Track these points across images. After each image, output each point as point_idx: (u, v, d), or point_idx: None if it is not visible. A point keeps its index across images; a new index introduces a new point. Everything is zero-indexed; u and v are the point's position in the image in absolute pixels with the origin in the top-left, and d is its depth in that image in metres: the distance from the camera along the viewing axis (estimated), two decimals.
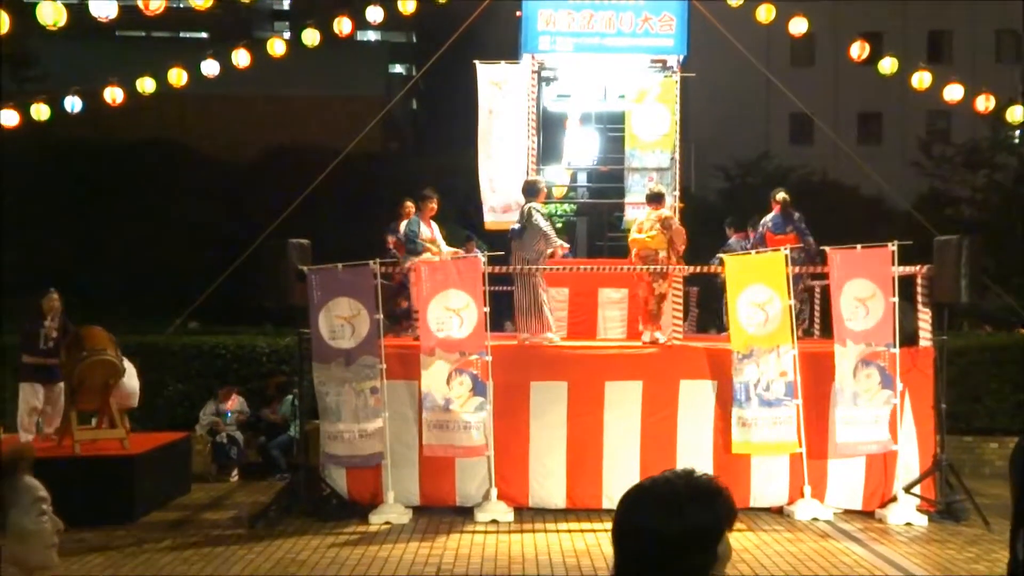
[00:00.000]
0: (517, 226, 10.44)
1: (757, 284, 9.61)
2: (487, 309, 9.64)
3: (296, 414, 10.84)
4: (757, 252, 10.62)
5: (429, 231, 10.91)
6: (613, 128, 12.68)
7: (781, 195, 11.91)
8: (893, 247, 9.49)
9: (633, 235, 10.63)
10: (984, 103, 12.93)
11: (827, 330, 10.82)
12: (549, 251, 10.31)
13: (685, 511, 1.82)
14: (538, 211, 10.33)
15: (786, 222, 11.68)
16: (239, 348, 12.68)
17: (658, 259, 10.22)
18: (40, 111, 11.97)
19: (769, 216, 11.88)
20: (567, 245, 11.21)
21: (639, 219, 10.76)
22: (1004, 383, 12.47)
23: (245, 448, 11.92)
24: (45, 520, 2.05)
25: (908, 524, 9.12)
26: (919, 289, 9.76)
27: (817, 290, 11.93)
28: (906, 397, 9.54)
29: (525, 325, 10.25)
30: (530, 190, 10.53)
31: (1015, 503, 3.11)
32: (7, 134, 12.41)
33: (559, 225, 15.93)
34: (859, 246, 9.73)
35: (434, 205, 10.96)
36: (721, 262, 10.16)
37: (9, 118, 11.85)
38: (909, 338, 9.76)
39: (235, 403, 12.11)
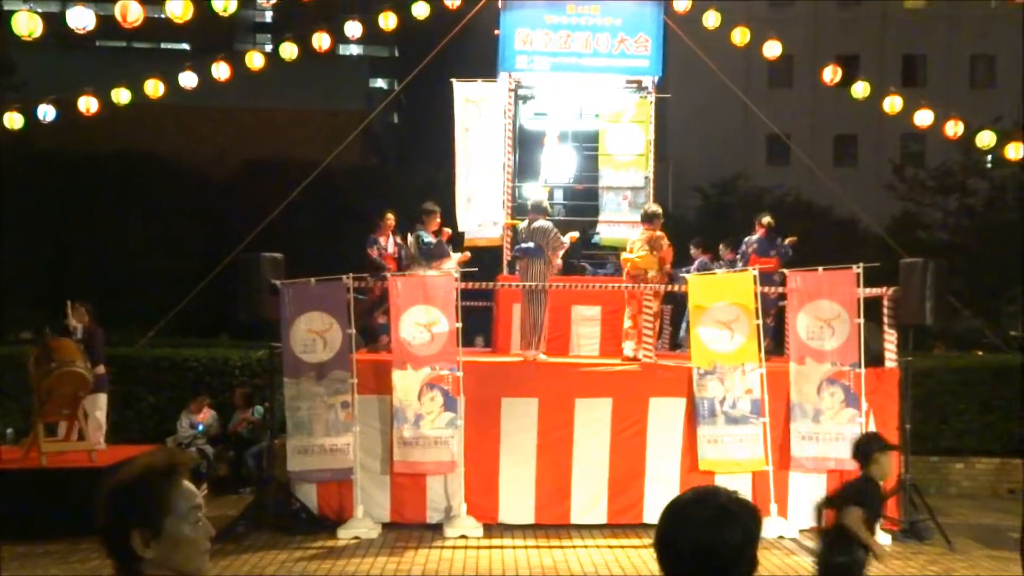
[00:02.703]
0: (531, 244, 10.46)
1: (722, 302, 9.73)
2: (459, 325, 9.71)
3: (266, 425, 10.83)
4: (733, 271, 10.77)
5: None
6: (589, 147, 12.79)
7: (767, 219, 12.09)
8: (858, 269, 9.64)
9: (624, 254, 10.73)
10: (953, 128, 13.12)
11: None
12: (566, 245, 10.51)
13: (736, 521, 1.97)
14: (551, 226, 10.45)
15: (770, 246, 11.83)
16: (211, 361, 12.66)
17: (647, 278, 10.28)
18: (13, 120, 11.95)
19: (755, 238, 12.01)
20: (575, 234, 11.29)
21: (631, 238, 10.87)
22: (971, 404, 12.63)
23: (215, 462, 11.89)
24: (200, 526, 2.08)
25: None
26: (885, 311, 9.90)
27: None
28: (871, 417, 9.66)
29: (534, 342, 10.28)
30: (540, 207, 10.64)
31: None
32: None
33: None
34: (820, 268, 9.88)
35: (438, 219, 11.01)
36: (685, 281, 10.28)
37: None
38: (876, 359, 9.89)
39: (207, 416, 12.09)
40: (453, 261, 10.74)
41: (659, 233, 10.50)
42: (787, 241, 12.02)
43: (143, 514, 2.01)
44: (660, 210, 10.92)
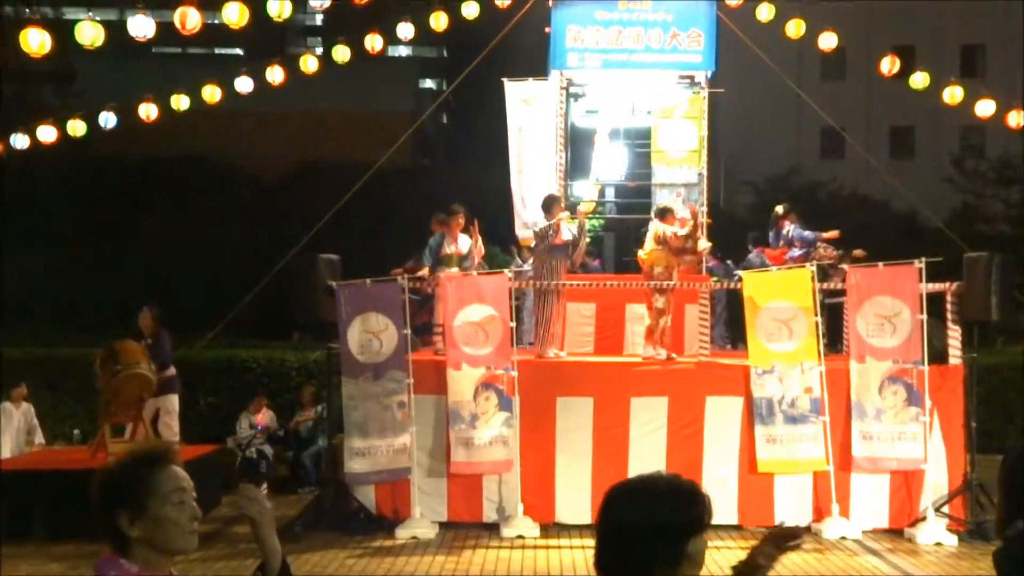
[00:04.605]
0: (534, 244, 10.50)
1: (780, 300, 9.60)
2: (514, 324, 9.71)
3: (324, 426, 10.95)
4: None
5: (454, 246, 10.94)
6: (641, 143, 12.70)
7: (776, 208, 12.07)
8: (920, 264, 9.44)
9: (639, 252, 10.66)
10: (1016, 118, 12.80)
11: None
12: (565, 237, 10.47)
13: (659, 507, 1.98)
14: (544, 227, 10.39)
15: (777, 237, 11.75)
16: (269, 362, 12.84)
17: (654, 275, 10.19)
18: (76, 127, 12.22)
19: (771, 233, 12.04)
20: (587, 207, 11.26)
21: (647, 235, 10.79)
22: None
23: (274, 462, 12.04)
24: (185, 508, 2.22)
25: (938, 544, 9.02)
26: (948, 307, 9.69)
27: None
28: (935, 415, 9.47)
29: (552, 339, 10.29)
30: (546, 206, 10.59)
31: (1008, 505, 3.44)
32: (45, 150, 12.67)
33: (588, 239, 15.98)
34: (881, 264, 9.70)
35: (461, 220, 10.98)
36: (740, 279, 10.16)
37: (47, 134, 12.13)
38: (939, 356, 9.68)
39: (265, 417, 12.25)
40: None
41: (660, 229, 10.28)
42: (826, 235, 11.79)
43: (127, 496, 2.19)
44: (672, 206, 10.80)
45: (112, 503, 2.19)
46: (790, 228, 11.77)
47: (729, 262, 13.45)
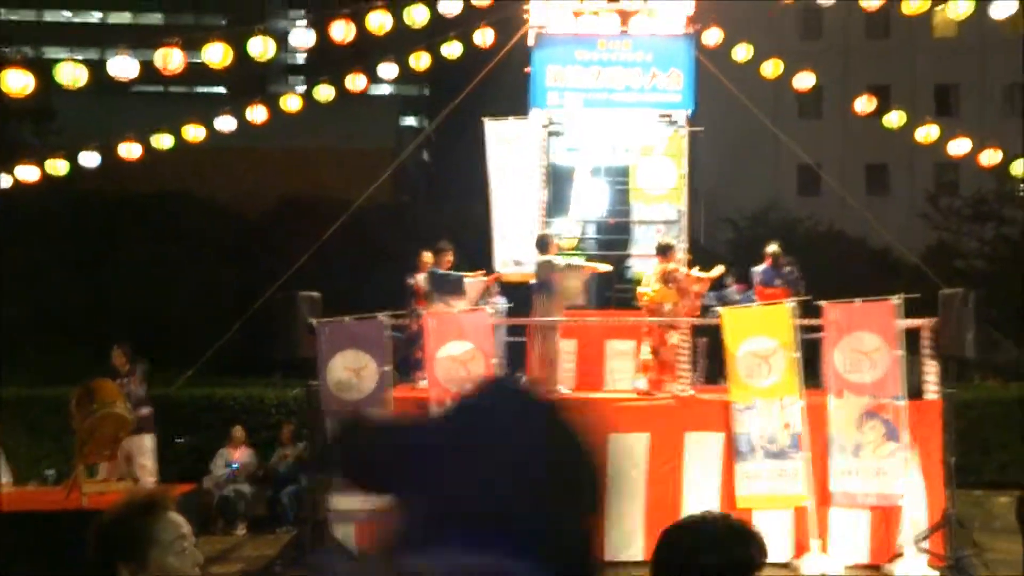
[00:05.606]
0: (535, 281, 10.52)
1: (759, 336, 9.66)
2: (496, 360, 9.71)
3: (302, 465, 10.87)
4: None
5: None
6: (621, 181, 12.78)
7: (772, 248, 12.15)
8: (898, 300, 9.54)
9: (640, 288, 10.73)
10: (989, 157, 13.03)
11: None
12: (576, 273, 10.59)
13: (719, 548, 1.97)
14: (558, 260, 10.49)
15: (775, 275, 11.80)
16: (248, 399, 12.74)
17: (663, 311, 10.25)
18: (57, 167, 12.19)
19: (760, 268, 12.06)
20: (608, 267, 11.47)
21: (647, 272, 10.87)
22: (1014, 436, 12.40)
23: (252, 501, 11.91)
24: (187, 555, 2.15)
25: None
26: (925, 342, 9.78)
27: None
28: (914, 450, 9.51)
29: (557, 377, 10.31)
30: (539, 243, 10.66)
31: None
32: (25, 188, 12.63)
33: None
34: (858, 300, 9.79)
35: (450, 257, 11.13)
36: (719, 315, 10.23)
37: (28, 174, 12.09)
38: (916, 391, 9.75)
39: (244, 454, 12.14)
40: (465, 302, 10.71)
41: (672, 266, 10.43)
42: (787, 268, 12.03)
43: (128, 549, 2.11)
44: (673, 243, 10.92)
45: (112, 556, 2.14)
46: (791, 270, 11.92)
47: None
